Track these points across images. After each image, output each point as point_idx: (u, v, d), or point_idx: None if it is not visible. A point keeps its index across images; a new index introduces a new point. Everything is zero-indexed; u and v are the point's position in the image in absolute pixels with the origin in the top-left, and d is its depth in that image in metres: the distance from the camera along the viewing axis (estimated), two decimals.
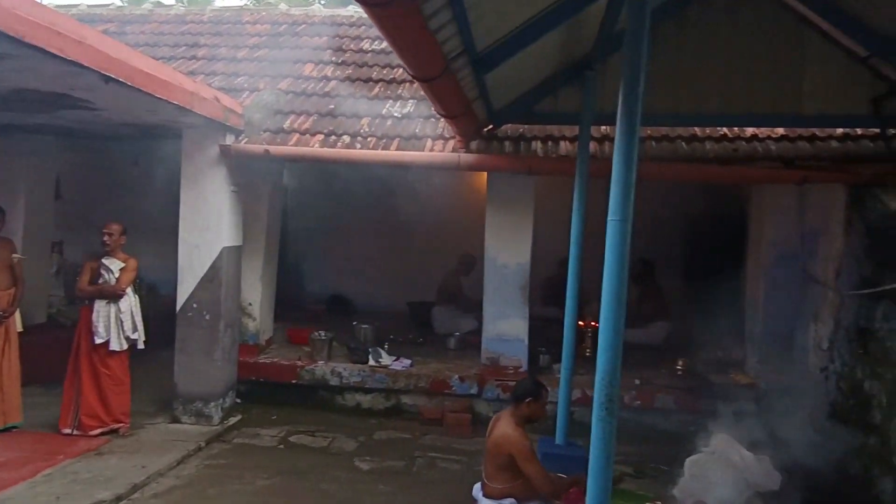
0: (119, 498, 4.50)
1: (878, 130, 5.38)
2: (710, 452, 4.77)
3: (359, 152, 5.76)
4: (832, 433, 5.42)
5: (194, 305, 6.00)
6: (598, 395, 2.54)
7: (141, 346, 5.77)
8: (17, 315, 5.73)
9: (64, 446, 5.31)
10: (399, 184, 8.73)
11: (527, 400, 4.16)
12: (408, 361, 6.69)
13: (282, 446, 5.74)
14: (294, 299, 9.77)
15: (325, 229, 9.70)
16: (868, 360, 4.89)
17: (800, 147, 5.70)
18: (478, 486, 4.31)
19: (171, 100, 4.75)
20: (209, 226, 5.96)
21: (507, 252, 6.35)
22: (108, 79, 4.03)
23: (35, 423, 5.74)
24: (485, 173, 6.98)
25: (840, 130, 5.85)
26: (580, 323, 6.77)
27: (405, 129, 6.08)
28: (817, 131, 5.86)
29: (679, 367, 6.40)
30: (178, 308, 6.05)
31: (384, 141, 5.95)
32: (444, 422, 6.25)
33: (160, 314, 8.12)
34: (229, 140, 5.94)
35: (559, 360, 6.25)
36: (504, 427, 4.15)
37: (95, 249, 5.92)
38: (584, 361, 6.40)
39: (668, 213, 9.30)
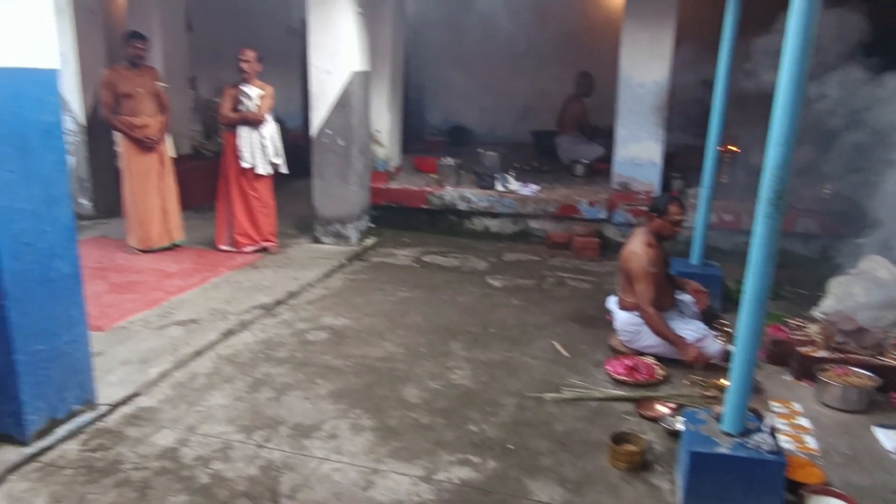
0: (278, 302, 4.97)
1: None
2: (856, 273, 4.60)
3: None
4: None
5: (328, 131, 6.17)
6: (766, 191, 2.43)
7: (284, 170, 6.08)
8: (169, 141, 6.11)
9: (224, 260, 5.85)
10: (520, 7, 8.30)
11: (651, 215, 4.12)
12: (535, 187, 6.70)
13: (416, 265, 6.06)
14: (415, 130, 9.86)
15: (446, 58, 9.51)
16: None
17: None
18: (614, 298, 4.41)
19: None
20: (338, 50, 5.96)
21: (644, 69, 5.99)
22: None
23: (194, 241, 6.33)
24: None
25: None
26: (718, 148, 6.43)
27: None
28: None
29: (826, 191, 6.01)
30: (313, 134, 6.25)
31: None
32: (571, 245, 6.32)
33: (289, 147, 8.48)
34: None
35: (693, 186, 6.08)
36: (631, 242, 4.17)
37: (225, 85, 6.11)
38: (720, 187, 6.17)
39: None
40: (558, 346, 4.31)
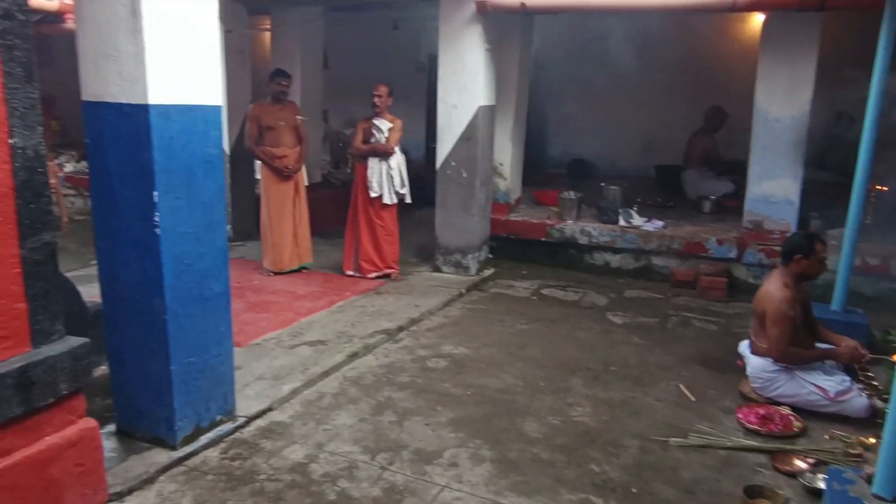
0: (400, 328, 5.11)
1: None
2: None
3: None
4: None
5: (452, 163, 6.33)
6: None
7: (408, 200, 6.29)
8: (304, 171, 6.49)
9: (349, 285, 6.11)
10: (644, 39, 8.23)
11: (796, 257, 3.90)
12: (660, 223, 6.54)
13: (535, 297, 6.04)
14: (535, 163, 9.87)
15: (567, 91, 9.53)
16: None
17: None
18: (746, 342, 4.21)
19: None
20: (466, 86, 6.13)
21: (781, 104, 5.71)
22: None
23: (321, 265, 6.64)
24: (754, 15, 6.29)
25: None
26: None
27: None
28: None
29: None
30: (437, 166, 6.44)
31: None
32: (697, 284, 6.09)
33: (411, 177, 8.77)
34: None
35: (834, 226, 5.73)
36: (769, 284, 3.97)
37: (355, 118, 6.40)
38: (864, 229, 5.77)
39: None
40: (684, 389, 4.16)
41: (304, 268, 6.46)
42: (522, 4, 5.67)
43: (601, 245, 6.62)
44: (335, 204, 7.92)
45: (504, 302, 5.91)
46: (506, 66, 6.72)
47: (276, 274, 6.28)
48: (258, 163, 6.44)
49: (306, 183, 6.55)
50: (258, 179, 6.68)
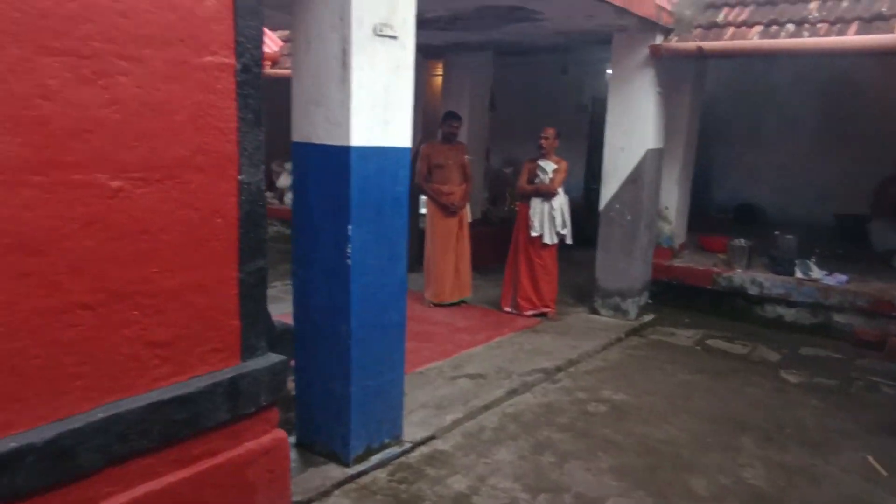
0: (558, 368, 5.10)
1: None
2: None
3: (807, 41, 5.16)
4: None
5: (616, 206, 6.28)
6: None
7: (569, 241, 6.30)
8: (468, 208, 6.71)
9: (507, 321, 6.20)
10: (821, 81, 7.74)
11: None
12: (843, 277, 6.05)
13: (698, 348, 5.80)
14: (699, 207, 9.50)
15: (735, 133, 9.14)
16: None
17: None
18: None
19: (614, 1, 4.89)
20: (634, 129, 6.10)
21: None
22: None
23: (479, 300, 6.79)
24: None
25: None
26: None
27: (867, 10, 5.22)
28: None
29: None
30: (601, 207, 6.41)
31: (838, 26, 5.22)
32: (886, 346, 5.55)
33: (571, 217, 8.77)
34: (658, 40, 5.90)
35: None
36: None
37: (516, 157, 6.50)
38: None
39: None
40: (873, 462, 3.80)
41: (463, 301, 6.65)
42: (699, 48, 5.57)
43: (773, 297, 6.23)
44: (494, 241, 8.09)
45: (665, 350, 5.72)
46: (676, 108, 6.60)
47: (436, 305, 6.52)
48: (423, 198, 6.76)
49: (470, 220, 6.77)
50: (422, 214, 7.00)
